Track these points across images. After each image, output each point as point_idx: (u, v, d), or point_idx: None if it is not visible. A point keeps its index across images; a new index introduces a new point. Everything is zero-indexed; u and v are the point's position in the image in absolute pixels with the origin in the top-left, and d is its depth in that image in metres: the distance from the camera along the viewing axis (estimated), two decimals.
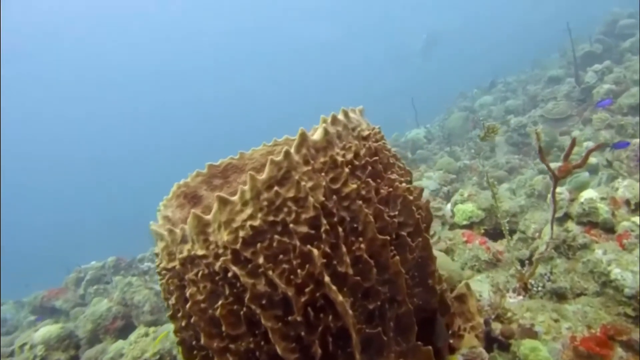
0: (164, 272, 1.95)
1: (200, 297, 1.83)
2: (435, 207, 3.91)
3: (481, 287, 3.13)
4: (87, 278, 7.30)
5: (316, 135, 1.76)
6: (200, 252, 1.77)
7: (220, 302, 1.76)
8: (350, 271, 1.72)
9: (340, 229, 1.72)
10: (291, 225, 1.68)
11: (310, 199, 1.68)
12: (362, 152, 1.87)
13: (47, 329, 4.18)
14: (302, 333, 1.74)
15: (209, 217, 1.75)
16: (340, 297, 1.68)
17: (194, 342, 1.96)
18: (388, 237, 1.79)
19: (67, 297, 7.22)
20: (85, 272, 7.54)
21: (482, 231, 3.78)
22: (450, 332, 2.46)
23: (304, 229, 1.70)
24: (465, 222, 3.82)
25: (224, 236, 1.71)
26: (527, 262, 3.20)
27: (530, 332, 2.40)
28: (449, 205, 4.26)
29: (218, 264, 1.73)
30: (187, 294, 1.85)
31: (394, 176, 1.97)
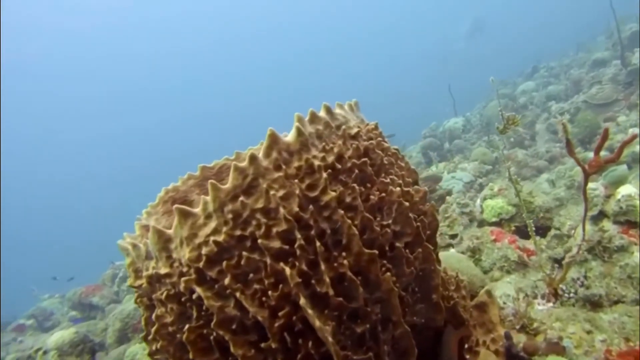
0: (133, 289, 1.76)
1: (168, 320, 1.63)
2: (462, 203, 3.59)
3: (510, 290, 2.82)
4: (119, 275, 7.33)
5: (289, 136, 1.51)
6: (163, 271, 1.57)
7: (187, 326, 1.55)
8: (331, 291, 1.47)
9: (319, 244, 1.47)
10: (260, 241, 1.45)
11: (282, 210, 1.44)
12: (348, 153, 1.61)
13: (61, 334, 4.13)
14: None
15: (170, 231, 1.54)
16: (318, 322, 1.44)
17: None
18: (376, 252, 1.53)
19: (103, 293, 7.27)
20: (119, 268, 7.58)
21: (513, 229, 3.44)
22: (466, 346, 2.18)
23: (276, 244, 1.46)
24: (494, 219, 3.48)
25: (187, 253, 1.49)
26: (560, 264, 2.86)
27: (557, 348, 2.09)
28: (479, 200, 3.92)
29: (182, 284, 1.52)
30: (154, 316, 1.66)
31: (388, 179, 1.70)
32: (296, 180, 1.47)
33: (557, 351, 2.09)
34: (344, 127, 1.62)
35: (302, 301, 1.44)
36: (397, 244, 1.62)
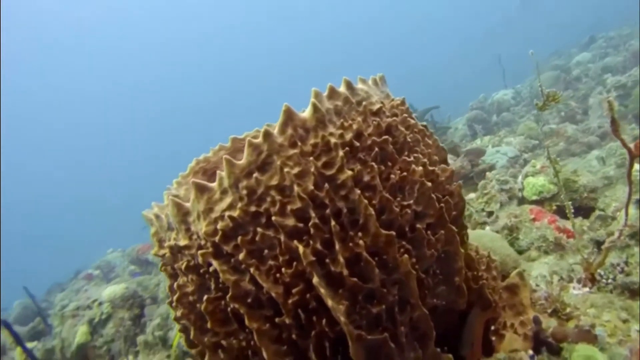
0: (158, 257, 1.76)
1: (189, 289, 1.63)
2: (501, 180, 3.41)
3: (546, 271, 2.67)
4: None
5: (306, 112, 1.43)
6: (182, 243, 1.55)
7: (205, 297, 1.54)
8: (346, 271, 1.41)
9: (334, 223, 1.40)
10: (275, 218, 1.39)
11: (296, 188, 1.38)
12: (369, 130, 1.51)
13: (113, 289, 4.31)
14: (294, 336, 1.48)
15: (188, 204, 1.51)
16: (331, 301, 1.38)
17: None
18: (393, 233, 1.44)
19: None
20: None
21: (554, 208, 3.23)
22: (493, 328, 2.08)
23: (290, 221, 1.41)
24: (535, 197, 3.28)
25: (203, 227, 1.46)
26: (600, 247, 2.66)
27: (588, 336, 1.95)
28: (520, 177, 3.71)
29: (200, 257, 1.49)
30: (175, 285, 1.65)
31: (411, 157, 1.60)
32: (311, 158, 1.39)
33: (588, 339, 1.95)
34: (364, 103, 1.52)
35: (315, 280, 1.38)
36: (418, 225, 1.53)
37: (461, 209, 1.75)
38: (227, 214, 1.42)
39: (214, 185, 1.45)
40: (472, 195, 3.57)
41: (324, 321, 1.44)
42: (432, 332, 1.59)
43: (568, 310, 2.16)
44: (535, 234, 2.96)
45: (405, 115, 1.69)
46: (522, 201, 3.38)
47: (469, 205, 3.55)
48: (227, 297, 1.46)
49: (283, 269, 1.41)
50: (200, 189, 1.45)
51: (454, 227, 1.62)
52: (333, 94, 1.47)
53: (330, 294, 1.41)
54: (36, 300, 7.73)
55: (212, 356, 1.64)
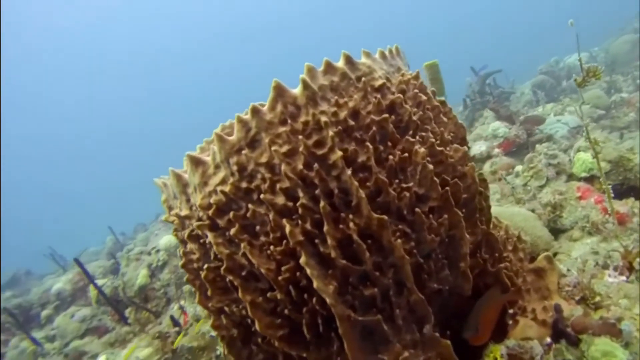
0: (169, 223, 1.76)
1: (194, 257, 1.61)
2: (550, 154, 3.09)
3: (587, 253, 2.42)
4: None
5: (297, 89, 1.32)
6: (183, 213, 1.52)
7: (206, 265, 1.52)
8: (334, 253, 1.32)
9: (323, 204, 1.31)
10: (263, 196, 1.32)
11: (283, 167, 1.29)
12: (368, 108, 1.37)
13: (168, 238, 4.50)
14: (287, 311, 1.43)
15: (187, 176, 1.47)
16: (317, 282, 1.30)
17: None
18: (385, 217, 1.32)
19: None
20: None
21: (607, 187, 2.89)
22: (511, 311, 1.92)
23: (280, 200, 1.33)
24: (584, 174, 2.95)
25: (198, 200, 1.42)
26: None
27: (612, 329, 1.74)
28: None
29: (197, 229, 1.46)
30: (182, 251, 1.65)
31: (417, 137, 1.45)
32: (301, 137, 1.29)
33: (611, 333, 1.74)
34: (364, 78, 1.38)
35: (303, 260, 1.31)
36: (417, 209, 1.39)
37: (473, 191, 1.58)
38: (219, 188, 1.36)
39: (209, 159, 1.40)
40: (519, 167, 3.29)
41: (314, 299, 1.38)
42: (430, 316, 1.48)
43: (597, 299, 1.95)
44: (580, 213, 2.68)
45: (417, 90, 1.53)
46: (571, 178, 3.07)
47: (513, 178, 3.29)
48: (222, 269, 1.43)
49: (272, 247, 1.35)
50: (195, 163, 1.40)
51: (459, 212, 1.46)
52: (329, 69, 1.34)
53: (318, 274, 1.33)
54: (119, 238, 8.32)
55: (216, 320, 1.64)
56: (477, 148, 4.38)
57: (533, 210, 2.70)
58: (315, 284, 1.29)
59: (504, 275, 1.79)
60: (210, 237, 1.41)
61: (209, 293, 1.53)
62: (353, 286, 1.39)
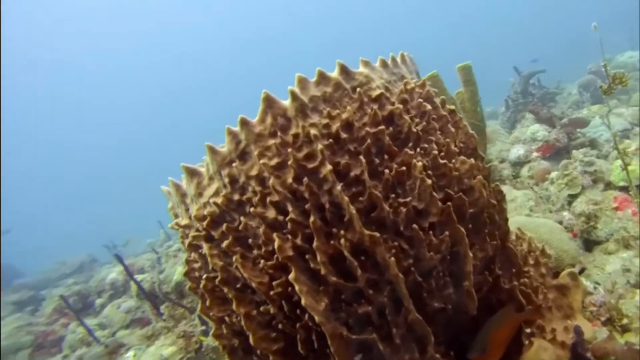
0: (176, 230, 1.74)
1: (196, 265, 1.58)
2: (586, 161, 2.85)
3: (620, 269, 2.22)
4: None
5: (288, 100, 1.25)
6: (183, 222, 1.49)
7: (205, 275, 1.48)
8: (324, 270, 1.24)
9: (313, 218, 1.23)
10: (253, 209, 1.26)
11: (271, 181, 1.22)
12: (364, 119, 1.28)
13: None
14: (280, 326, 1.37)
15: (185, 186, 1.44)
16: (305, 299, 1.23)
17: None
18: (376, 234, 1.23)
19: None
20: None
21: None
22: (528, 331, 1.77)
23: (271, 213, 1.27)
24: (622, 184, 2.70)
25: (194, 211, 1.39)
26: None
27: (636, 356, 1.57)
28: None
29: (193, 239, 1.43)
30: (185, 259, 1.62)
31: (417, 149, 1.35)
32: (290, 150, 1.22)
33: None
34: (359, 89, 1.29)
35: (292, 276, 1.24)
36: (415, 225, 1.29)
37: (482, 205, 1.46)
38: (212, 200, 1.32)
39: (204, 169, 1.36)
40: (554, 174, 3.07)
41: (307, 315, 1.31)
42: (430, 336, 1.37)
43: (625, 321, 1.77)
44: (616, 224, 2.46)
45: (421, 100, 1.42)
46: (608, 186, 2.82)
47: (548, 185, 3.07)
48: (216, 281, 1.38)
49: (263, 261, 1.29)
50: (191, 173, 1.37)
51: (461, 228, 1.35)
52: (322, 79, 1.26)
53: (308, 290, 1.26)
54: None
55: (218, 330, 1.60)
56: (515, 152, 4.15)
57: (560, 222, 2.50)
58: (303, 301, 1.22)
59: (518, 293, 1.65)
60: (205, 248, 1.37)
61: (207, 303, 1.49)
62: (347, 303, 1.31)
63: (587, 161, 2.82)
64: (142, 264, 7.05)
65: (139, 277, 4.70)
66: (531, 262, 1.95)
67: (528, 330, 1.76)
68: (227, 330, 1.57)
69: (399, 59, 1.48)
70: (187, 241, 1.53)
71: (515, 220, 2.39)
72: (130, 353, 3.24)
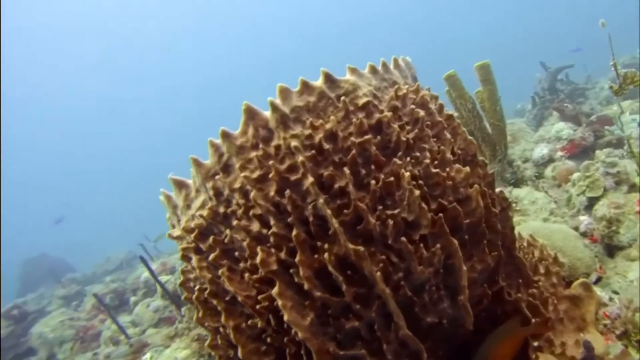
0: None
1: (191, 276, 1.56)
2: (608, 162, 2.67)
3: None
4: None
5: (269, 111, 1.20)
6: (175, 234, 1.47)
7: (197, 287, 1.45)
8: (307, 285, 1.19)
9: (296, 232, 1.18)
10: (237, 222, 1.22)
11: (253, 194, 1.18)
12: (350, 129, 1.22)
13: None
14: (269, 339, 1.33)
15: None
16: (288, 315, 1.18)
17: None
18: (360, 248, 1.17)
19: None
20: None
21: None
22: (536, 345, 1.67)
23: (255, 226, 1.23)
24: None
25: (183, 223, 1.36)
26: None
27: None
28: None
29: (181, 251, 1.40)
30: (180, 270, 1.60)
31: (406, 158, 1.27)
32: (272, 162, 1.17)
33: None
34: (344, 97, 1.22)
35: (275, 291, 1.19)
36: (403, 238, 1.22)
37: (479, 216, 1.37)
38: (199, 212, 1.29)
39: (191, 181, 1.33)
40: (575, 175, 2.90)
41: (293, 331, 1.26)
42: (423, 353, 1.30)
43: None
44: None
45: (413, 106, 1.35)
46: (633, 189, 2.64)
47: (570, 187, 2.90)
48: (206, 293, 1.35)
49: (248, 274, 1.25)
50: (179, 185, 1.34)
51: (454, 240, 1.27)
52: (305, 89, 1.21)
53: (293, 305, 1.21)
54: None
55: (213, 340, 1.57)
56: (539, 151, 3.96)
57: (576, 228, 2.35)
58: (286, 317, 1.17)
59: (523, 306, 1.55)
60: (194, 260, 1.34)
61: (200, 314, 1.46)
62: (334, 318, 1.25)
63: (609, 162, 2.65)
64: (173, 263, 7.16)
65: (166, 277, 4.75)
66: (542, 271, 1.83)
67: (536, 344, 1.65)
68: (222, 341, 1.54)
69: (391, 64, 1.41)
70: (180, 252, 1.51)
71: (529, 226, 2.27)
72: (147, 355, 3.28)
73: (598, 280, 2.01)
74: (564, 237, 2.03)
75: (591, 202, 2.66)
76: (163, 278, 4.63)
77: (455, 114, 3.57)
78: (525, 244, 1.99)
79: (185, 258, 1.49)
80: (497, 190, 3.15)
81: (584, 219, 2.48)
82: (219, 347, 1.55)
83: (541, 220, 2.70)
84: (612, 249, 2.39)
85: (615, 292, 2.04)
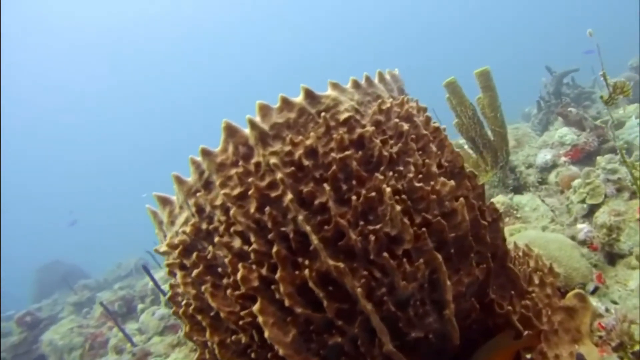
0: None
1: (179, 290, 1.56)
2: (609, 169, 2.62)
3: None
4: None
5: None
6: (162, 249, 1.47)
7: (184, 302, 1.45)
8: (288, 301, 1.19)
9: (276, 248, 1.18)
10: (218, 239, 1.22)
11: (232, 211, 1.18)
12: (331, 144, 1.22)
13: None
14: (253, 355, 1.32)
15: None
16: (268, 331, 1.18)
17: None
18: (341, 265, 1.16)
19: None
20: None
21: None
22: (529, 357, 1.64)
23: (236, 243, 1.23)
24: None
25: (168, 239, 1.36)
26: None
27: None
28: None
29: (167, 267, 1.41)
30: (168, 284, 1.60)
31: (388, 173, 1.26)
32: (251, 179, 1.17)
33: None
34: (324, 113, 1.22)
35: (256, 307, 1.19)
36: (385, 253, 1.21)
37: (465, 229, 1.35)
38: (182, 229, 1.29)
39: (175, 198, 1.33)
40: (576, 182, 2.85)
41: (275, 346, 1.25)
42: None
43: (637, 348, 1.60)
44: None
45: (397, 120, 1.34)
46: (634, 196, 2.59)
47: (571, 194, 2.86)
48: (190, 309, 1.35)
49: (229, 291, 1.25)
50: (163, 202, 1.35)
51: (437, 254, 1.25)
52: (285, 105, 1.21)
53: (274, 321, 1.21)
54: None
55: (202, 354, 1.57)
56: (542, 156, 3.92)
57: (573, 237, 2.32)
58: (266, 334, 1.17)
59: (513, 318, 1.53)
60: (179, 276, 1.35)
61: (187, 329, 1.47)
62: (317, 333, 1.24)
63: (610, 169, 2.61)
64: None
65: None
66: (536, 281, 1.81)
67: (529, 356, 1.63)
68: (209, 355, 1.54)
69: (376, 78, 1.40)
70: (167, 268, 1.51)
71: (526, 235, 2.24)
72: None
73: (595, 290, 1.97)
74: (559, 247, 2.00)
75: (592, 210, 2.62)
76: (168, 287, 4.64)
77: (456, 121, 3.57)
78: (520, 253, 1.96)
79: (171, 273, 1.49)
80: (497, 197, 3.12)
81: (584, 227, 2.44)
82: None
83: (541, 228, 2.66)
84: (613, 257, 2.34)
85: (615, 302, 2.00)
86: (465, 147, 3.89)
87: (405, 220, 1.21)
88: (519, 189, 3.61)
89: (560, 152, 3.92)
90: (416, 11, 40.55)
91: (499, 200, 3.10)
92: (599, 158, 2.81)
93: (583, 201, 2.66)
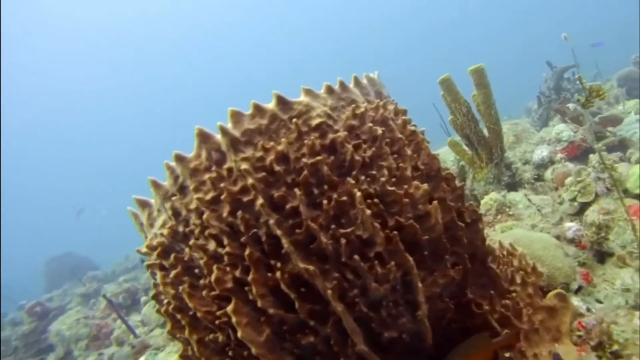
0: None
1: (160, 289, 1.59)
2: (601, 167, 2.61)
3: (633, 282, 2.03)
4: None
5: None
6: (143, 250, 1.50)
7: (166, 300, 1.49)
8: (261, 302, 1.21)
9: (249, 251, 1.20)
10: (193, 242, 1.25)
11: (205, 215, 1.20)
12: (302, 150, 1.24)
13: None
14: (231, 353, 1.35)
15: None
16: (242, 331, 1.21)
17: None
18: (311, 267, 1.19)
19: None
20: None
21: None
22: (507, 356, 1.66)
23: (211, 245, 1.25)
24: (638, 192, 2.46)
25: (147, 241, 1.39)
26: None
27: None
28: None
29: (148, 268, 1.44)
30: (152, 283, 1.63)
31: (360, 177, 1.28)
32: (223, 184, 1.20)
33: None
34: (296, 119, 1.24)
35: (230, 308, 1.22)
36: (356, 256, 1.23)
37: (439, 232, 1.37)
38: (160, 231, 1.32)
39: (153, 201, 1.36)
40: (568, 180, 2.85)
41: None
42: None
43: (616, 347, 1.61)
44: (629, 235, 2.25)
45: (371, 124, 1.35)
46: (625, 194, 2.58)
47: (564, 192, 2.86)
48: (170, 308, 1.39)
49: (205, 291, 1.28)
50: (142, 205, 1.38)
51: (409, 257, 1.27)
52: (257, 112, 1.23)
53: (248, 322, 1.24)
54: None
55: (185, 351, 1.61)
56: (539, 153, 3.90)
57: (558, 237, 2.32)
58: (240, 334, 1.20)
59: (490, 318, 1.54)
60: (158, 276, 1.38)
61: (169, 327, 1.50)
62: (290, 333, 1.27)
63: (601, 167, 2.60)
64: None
65: None
66: (518, 281, 1.82)
67: (507, 355, 1.64)
68: (191, 352, 1.57)
69: (351, 83, 1.42)
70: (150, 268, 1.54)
71: (512, 234, 2.24)
72: (142, 358, 3.35)
73: (579, 289, 1.98)
74: (544, 246, 2.01)
75: (582, 208, 2.62)
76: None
77: (450, 117, 3.56)
78: (505, 252, 1.97)
79: (152, 274, 1.52)
80: (491, 194, 3.12)
81: (572, 225, 2.45)
82: (190, 357, 1.59)
83: (531, 226, 2.67)
84: (602, 255, 2.35)
85: (599, 302, 2.01)
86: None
87: (376, 223, 1.23)
88: (514, 186, 3.61)
89: (557, 148, 3.90)
90: (417, 8, 40.19)
91: (492, 197, 3.10)
92: (591, 156, 2.80)
93: (574, 199, 2.65)
